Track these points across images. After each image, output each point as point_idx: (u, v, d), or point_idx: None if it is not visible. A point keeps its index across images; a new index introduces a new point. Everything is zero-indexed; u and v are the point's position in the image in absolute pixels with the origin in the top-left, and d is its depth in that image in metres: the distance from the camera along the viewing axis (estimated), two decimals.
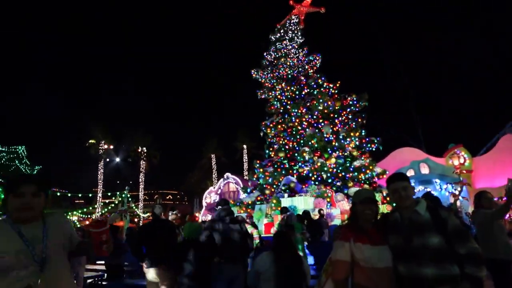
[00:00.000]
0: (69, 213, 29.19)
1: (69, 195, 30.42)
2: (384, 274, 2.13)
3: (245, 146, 40.53)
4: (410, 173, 22.28)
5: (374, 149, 19.79)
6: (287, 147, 19.69)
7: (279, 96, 21.05)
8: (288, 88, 20.72)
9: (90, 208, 30.50)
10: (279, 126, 20.33)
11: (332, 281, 2.25)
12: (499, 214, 3.93)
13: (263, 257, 3.25)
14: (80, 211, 29.34)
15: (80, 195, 30.75)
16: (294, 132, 19.62)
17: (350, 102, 19.78)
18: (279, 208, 15.75)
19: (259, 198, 18.51)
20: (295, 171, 18.54)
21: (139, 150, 34.63)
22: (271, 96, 21.64)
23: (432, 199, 6.63)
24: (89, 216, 31.41)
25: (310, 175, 17.92)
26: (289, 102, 20.55)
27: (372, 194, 2.39)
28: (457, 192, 17.73)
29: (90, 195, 32.44)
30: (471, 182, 20.02)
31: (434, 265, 1.99)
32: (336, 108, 19.76)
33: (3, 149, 29.67)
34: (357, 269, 2.18)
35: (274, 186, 18.61)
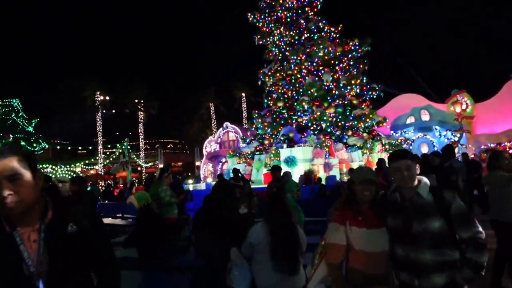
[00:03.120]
0: (72, 165, 29.70)
1: (69, 148, 30.68)
2: (380, 258, 2.04)
3: (243, 95, 39.79)
4: (410, 120, 22.11)
5: (375, 97, 19.36)
6: (286, 96, 19.24)
7: (277, 42, 19.98)
8: (287, 32, 19.57)
9: (92, 159, 30.90)
10: (278, 74, 19.65)
11: (326, 265, 2.17)
12: None
13: (257, 228, 3.18)
14: (82, 163, 29.80)
15: (80, 147, 30.97)
16: (293, 81, 19.01)
17: (352, 48, 18.84)
18: (278, 159, 15.90)
19: (258, 148, 18.57)
20: (294, 121, 18.34)
21: (136, 101, 34.08)
22: (269, 42, 20.54)
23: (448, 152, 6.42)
24: (92, 167, 32.00)
25: (309, 124, 17.75)
26: (288, 48, 19.57)
27: (373, 175, 2.20)
28: (456, 139, 17.73)
29: (90, 147, 32.66)
30: (471, 129, 19.94)
31: (434, 250, 1.89)
32: (337, 54, 18.87)
33: None
34: (352, 253, 2.08)
35: (273, 136, 18.55)
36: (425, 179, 2.06)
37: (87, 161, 30.08)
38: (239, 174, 8.65)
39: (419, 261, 1.91)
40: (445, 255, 1.89)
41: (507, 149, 18.81)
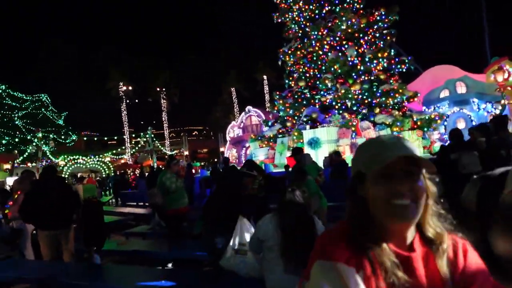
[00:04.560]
0: (102, 155, 30.58)
1: (95, 139, 31.52)
2: None
3: (265, 77, 38.93)
4: (444, 93, 20.47)
5: (404, 70, 17.99)
6: (307, 75, 18.31)
7: (296, 18, 18.92)
8: (307, 7, 18.42)
9: (119, 149, 31.65)
10: (298, 52, 18.67)
11: None
12: None
13: (265, 221, 2.68)
14: (110, 152, 30.58)
15: (105, 138, 31.84)
16: (314, 58, 18.01)
17: (378, 18, 17.45)
18: (302, 141, 15.24)
19: (280, 131, 17.97)
20: (317, 101, 17.47)
21: (158, 89, 34.27)
22: (288, 19, 19.51)
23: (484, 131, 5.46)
24: (120, 156, 32.84)
25: (334, 103, 16.83)
26: (308, 24, 18.47)
27: (412, 149, 0.86)
28: (497, 112, 16.17)
29: (116, 137, 33.44)
30: None
31: None
32: (362, 26, 17.55)
33: (28, 98, 30.26)
34: None
35: (296, 117, 17.83)
36: None
37: (114, 151, 30.85)
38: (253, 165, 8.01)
39: None
40: None
41: None
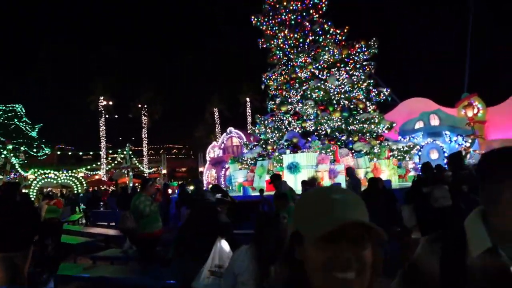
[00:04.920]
0: (75, 170, 29.42)
1: (69, 153, 30.46)
2: None
3: (248, 99, 39.37)
4: (419, 124, 21.36)
5: (382, 101, 18.70)
6: (290, 100, 18.68)
7: (281, 45, 19.50)
8: (292, 35, 19.07)
9: (94, 165, 30.61)
10: (282, 78, 19.12)
11: None
12: None
13: (241, 254, 2.60)
14: (84, 168, 29.50)
15: (81, 153, 30.78)
16: (297, 84, 18.46)
17: (358, 50, 18.26)
18: (281, 165, 15.29)
19: (261, 154, 18.01)
20: (298, 126, 17.75)
21: (140, 106, 33.87)
22: (273, 45, 20.06)
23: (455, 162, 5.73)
24: (95, 172, 31.71)
25: (314, 129, 17.14)
26: (292, 51, 19.07)
27: (362, 213, 0.74)
28: (468, 145, 16.94)
29: (91, 152, 32.46)
30: (483, 134, 19.10)
31: None
32: (343, 56, 18.30)
33: (1, 107, 29.12)
34: None
35: (277, 141, 17.98)
36: None
37: (89, 167, 29.78)
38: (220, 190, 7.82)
39: None
40: None
41: None
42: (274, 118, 18.64)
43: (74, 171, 27.73)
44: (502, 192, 0.83)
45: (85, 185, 25.56)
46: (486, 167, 0.91)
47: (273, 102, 19.65)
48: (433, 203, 4.87)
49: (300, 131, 17.37)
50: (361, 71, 18.27)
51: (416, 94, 23.82)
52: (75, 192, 23.84)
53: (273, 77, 19.42)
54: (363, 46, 18.16)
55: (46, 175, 25.84)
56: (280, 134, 17.80)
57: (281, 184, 6.09)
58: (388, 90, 18.64)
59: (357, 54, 18.26)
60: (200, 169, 35.30)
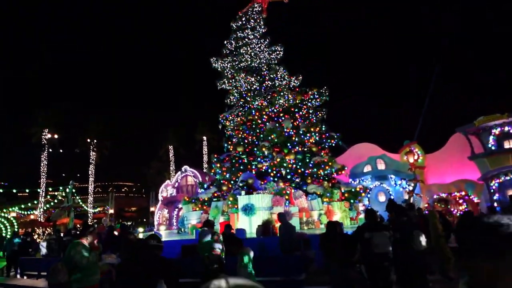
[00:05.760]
0: (5, 210, 26.24)
1: (1, 190, 27.21)
2: None
3: (205, 138, 39.20)
4: (367, 168, 22.59)
5: (333, 145, 19.68)
6: (246, 141, 18.92)
7: (239, 88, 20.13)
8: (249, 79, 19.85)
9: (30, 204, 27.66)
10: (238, 119, 19.50)
11: None
12: None
13: None
14: (17, 207, 26.44)
15: (14, 190, 27.76)
16: (253, 126, 18.89)
17: (311, 96, 19.42)
18: (236, 206, 15.03)
19: (216, 195, 17.64)
20: (253, 167, 17.86)
21: (88, 141, 32.01)
22: (230, 87, 20.64)
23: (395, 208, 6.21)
24: (30, 212, 28.56)
25: (269, 171, 17.34)
26: (249, 94, 19.73)
27: None
28: (410, 188, 18.12)
29: (28, 190, 29.49)
30: (423, 179, 20.66)
31: None
32: (297, 102, 19.30)
33: None
34: None
35: (232, 182, 17.82)
36: None
37: (23, 206, 26.76)
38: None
39: None
40: None
41: (457, 199, 19.56)
42: (230, 158, 18.63)
43: (4, 210, 24.70)
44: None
45: (16, 226, 22.74)
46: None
47: (230, 142, 19.77)
48: (373, 249, 5.10)
49: (255, 172, 17.45)
50: (314, 116, 19.28)
51: (364, 140, 25.50)
52: (3, 235, 21.08)
53: (230, 118, 19.74)
54: (315, 93, 19.38)
55: None
56: (236, 175, 17.71)
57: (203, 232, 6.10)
58: (339, 135, 19.73)
59: (309, 100, 19.37)
60: (152, 208, 33.47)
